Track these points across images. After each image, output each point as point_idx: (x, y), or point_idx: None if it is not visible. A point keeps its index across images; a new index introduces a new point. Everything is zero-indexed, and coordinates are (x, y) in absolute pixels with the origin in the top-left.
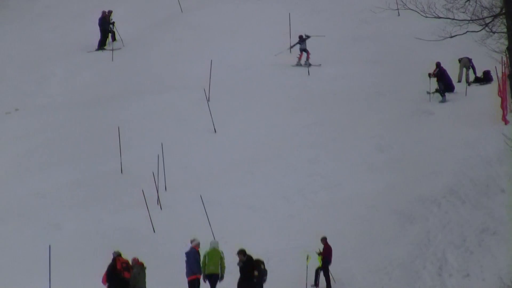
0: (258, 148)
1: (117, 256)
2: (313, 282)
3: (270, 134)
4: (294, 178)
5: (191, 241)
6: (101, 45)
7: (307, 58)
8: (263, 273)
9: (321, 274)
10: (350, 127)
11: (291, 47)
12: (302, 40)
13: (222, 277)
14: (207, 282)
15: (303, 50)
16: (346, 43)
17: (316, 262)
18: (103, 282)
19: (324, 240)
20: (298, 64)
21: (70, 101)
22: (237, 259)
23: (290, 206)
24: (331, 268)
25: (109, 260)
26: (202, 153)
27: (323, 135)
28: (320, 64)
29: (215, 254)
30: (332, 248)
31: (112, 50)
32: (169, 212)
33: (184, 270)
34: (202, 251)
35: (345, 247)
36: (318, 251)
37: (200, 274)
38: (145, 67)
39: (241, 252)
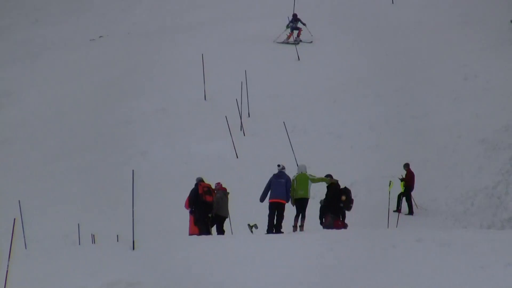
0: (344, 76)
1: (199, 182)
2: (395, 208)
3: (355, 62)
4: (380, 107)
5: (278, 165)
6: None
7: (298, 34)
8: (350, 201)
9: (404, 200)
10: (436, 56)
11: (287, 25)
12: (295, 19)
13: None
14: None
15: (294, 29)
16: None
17: (399, 188)
18: (186, 206)
19: (407, 166)
20: (285, 42)
21: (155, 28)
22: (320, 188)
23: (376, 135)
24: (413, 194)
25: (192, 186)
26: (286, 81)
27: (409, 64)
28: (311, 41)
29: (304, 179)
30: (416, 176)
31: None
32: (252, 138)
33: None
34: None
35: (430, 176)
36: (400, 177)
37: (283, 199)
38: None
39: (329, 176)
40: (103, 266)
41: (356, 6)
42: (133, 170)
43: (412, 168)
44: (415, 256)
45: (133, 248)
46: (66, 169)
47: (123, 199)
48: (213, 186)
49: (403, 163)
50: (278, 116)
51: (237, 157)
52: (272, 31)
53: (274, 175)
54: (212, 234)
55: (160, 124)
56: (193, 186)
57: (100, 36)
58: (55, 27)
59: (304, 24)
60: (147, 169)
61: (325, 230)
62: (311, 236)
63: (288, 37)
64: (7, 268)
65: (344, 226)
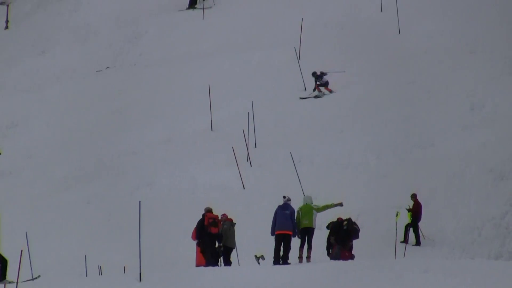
0: (350, 106)
1: (206, 212)
2: (402, 239)
3: (362, 91)
4: (387, 136)
5: (284, 197)
6: (192, 3)
7: (328, 89)
8: (352, 223)
9: (411, 230)
10: (443, 85)
11: (314, 89)
12: (318, 76)
13: (339, 204)
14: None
15: (322, 85)
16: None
17: (406, 218)
18: (193, 238)
19: (414, 196)
20: (320, 95)
21: (162, 59)
22: (327, 215)
23: (383, 164)
24: (420, 224)
25: (199, 216)
26: (293, 111)
27: (416, 93)
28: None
29: (308, 209)
30: (424, 206)
31: (203, 8)
32: (259, 169)
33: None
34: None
35: (437, 205)
36: (408, 207)
37: (289, 230)
38: (235, 25)
39: (348, 219)
40: None
41: (363, 36)
42: (139, 202)
43: (419, 197)
44: (422, 287)
45: (140, 280)
46: (73, 200)
47: (129, 230)
48: (219, 217)
49: (411, 194)
50: (285, 147)
51: (244, 188)
52: (278, 61)
53: (279, 207)
54: (219, 265)
55: (166, 154)
56: (200, 216)
57: (107, 67)
58: (61, 58)
59: (325, 74)
60: (153, 200)
61: (332, 261)
62: (318, 267)
63: (318, 90)
64: None
65: (351, 257)
